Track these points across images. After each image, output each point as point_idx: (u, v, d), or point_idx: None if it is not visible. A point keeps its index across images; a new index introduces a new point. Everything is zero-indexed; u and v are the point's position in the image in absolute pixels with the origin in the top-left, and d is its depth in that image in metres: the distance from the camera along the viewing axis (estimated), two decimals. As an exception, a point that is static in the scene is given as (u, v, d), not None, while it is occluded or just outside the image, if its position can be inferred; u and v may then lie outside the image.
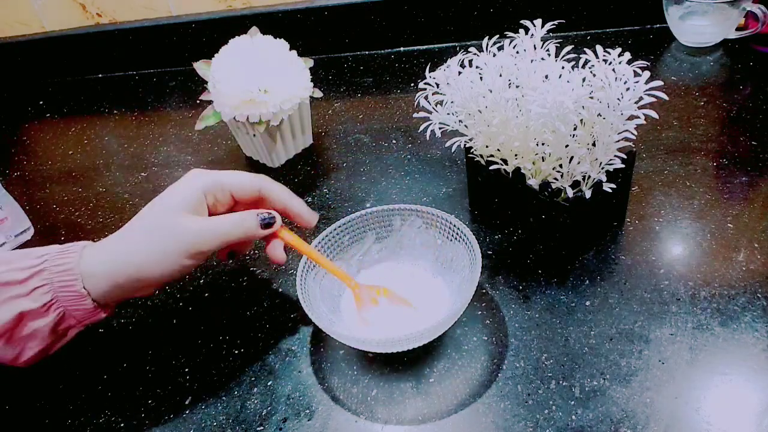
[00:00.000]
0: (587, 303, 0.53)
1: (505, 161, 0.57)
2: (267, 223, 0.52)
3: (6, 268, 0.47)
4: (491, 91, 0.54)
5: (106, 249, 0.49)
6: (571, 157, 0.52)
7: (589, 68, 0.50)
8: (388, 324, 0.53)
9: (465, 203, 0.66)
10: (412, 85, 0.90)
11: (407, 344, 0.49)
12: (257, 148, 0.76)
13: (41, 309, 0.47)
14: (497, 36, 0.57)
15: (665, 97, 0.47)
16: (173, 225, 0.48)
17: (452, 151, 0.71)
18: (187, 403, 0.51)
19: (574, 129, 0.51)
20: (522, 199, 0.58)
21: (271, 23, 0.97)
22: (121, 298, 0.50)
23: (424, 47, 0.98)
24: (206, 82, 0.72)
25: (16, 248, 0.72)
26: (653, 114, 0.48)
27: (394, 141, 0.78)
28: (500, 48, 0.56)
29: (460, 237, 0.54)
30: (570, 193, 0.52)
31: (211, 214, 0.52)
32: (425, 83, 0.57)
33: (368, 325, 0.53)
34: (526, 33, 0.55)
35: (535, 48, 0.55)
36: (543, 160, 0.54)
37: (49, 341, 0.49)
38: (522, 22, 0.56)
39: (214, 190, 0.51)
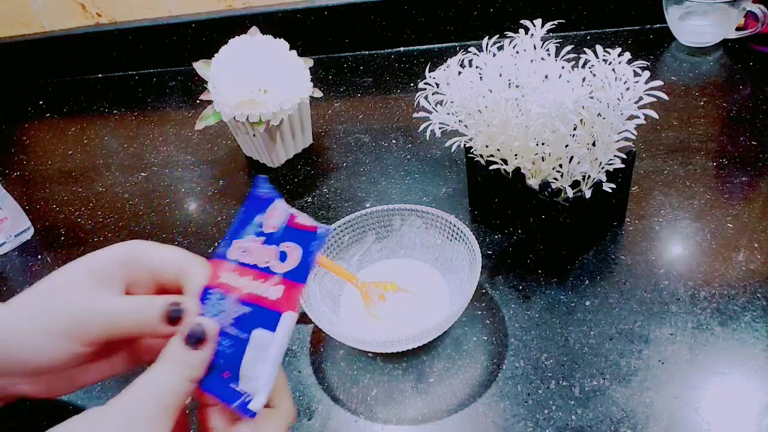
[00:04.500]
0: (587, 303, 0.53)
1: (505, 161, 0.57)
2: (172, 317, 0.36)
3: None
4: (491, 91, 0.54)
5: None
6: (571, 157, 0.52)
7: (589, 68, 0.50)
8: (399, 319, 0.53)
9: (465, 203, 0.66)
10: (412, 85, 0.90)
11: (407, 344, 0.49)
12: (257, 148, 0.76)
13: None
14: (497, 36, 0.57)
15: (665, 97, 0.47)
16: (63, 295, 0.37)
17: (452, 151, 0.71)
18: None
19: (574, 129, 0.51)
20: (522, 199, 0.58)
21: (271, 23, 0.97)
22: (7, 393, 0.38)
23: (424, 47, 0.98)
24: (206, 82, 0.72)
25: (17, 248, 0.72)
26: (653, 114, 0.48)
27: (394, 141, 0.78)
28: (500, 48, 0.56)
29: (460, 237, 0.54)
30: (570, 193, 0.52)
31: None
32: (425, 83, 0.57)
33: (379, 321, 0.53)
34: (526, 33, 0.55)
35: (535, 48, 0.55)
36: (543, 160, 0.54)
37: None
38: (522, 22, 0.56)
39: (133, 263, 0.38)
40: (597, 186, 0.52)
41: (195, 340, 0.35)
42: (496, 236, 0.61)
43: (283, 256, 0.36)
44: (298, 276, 0.35)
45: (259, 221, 0.38)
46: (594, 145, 0.52)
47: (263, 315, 0.35)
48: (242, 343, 0.35)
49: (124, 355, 0.41)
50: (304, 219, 0.37)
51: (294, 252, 0.36)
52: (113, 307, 0.37)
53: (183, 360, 0.35)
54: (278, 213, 0.37)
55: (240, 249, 0.38)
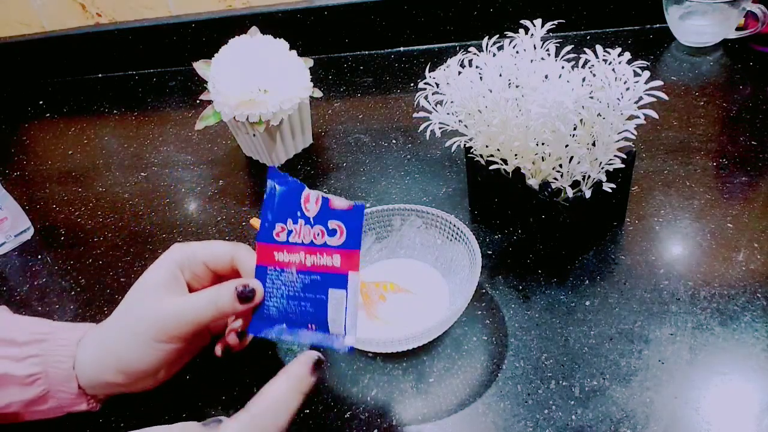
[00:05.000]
0: (587, 303, 0.53)
1: (505, 161, 0.57)
2: (245, 297, 0.44)
3: (17, 327, 0.46)
4: (491, 91, 0.54)
5: (95, 338, 0.47)
6: (571, 157, 0.52)
7: (589, 68, 0.50)
8: (399, 319, 0.53)
9: (465, 203, 0.66)
10: (412, 85, 0.90)
11: (407, 344, 0.49)
12: (257, 148, 0.76)
13: (26, 379, 0.44)
14: (497, 36, 0.57)
15: (665, 97, 0.47)
16: (141, 309, 0.45)
17: (452, 151, 0.71)
18: (187, 403, 0.51)
19: (574, 129, 0.51)
20: (522, 199, 0.58)
21: (271, 23, 0.97)
22: (112, 393, 0.48)
23: (424, 47, 0.98)
24: (206, 82, 0.72)
25: (17, 248, 0.72)
26: (653, 114, 0.48)
27: (394, 141, 0.78)
28: (500, 48, 0.56)
29: (460, 237, 0.54)
30: (570, 193, 0.52)
31: (192, 290, 0.48)
32: (425, 83, 0.57)
33: (379, 321, 0.53)
34: (526, 33, 0.55)
35: (535, 48, 0.55)
36: (543, 160, 0.54)
37: (17, 415, 0.46)
38: (522, 22, 0.56)
39: (188, 264, 0.48)
40: (597, 186, 0.52)
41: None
42: (496, 236, 0.61)
43: (332, 233, 0.44)
44: (350, 245, 0.44)
45: (296, 206, 0.45)
46: (594, 145, 0.52)
47: (332, 278, 0.44)
48: (323, 302, 0.44)
49: (195, 344, 0.49)
50: (338, 202, 0.44)
51: (340, 228, 0.44)
52: (191, 303, 0.45)
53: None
54: (312, 197, 0.45)
55: (284, 231, 0.46)
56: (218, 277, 0.49)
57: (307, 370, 0.42)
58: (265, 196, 0.47)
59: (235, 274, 0.49)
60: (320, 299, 0.44)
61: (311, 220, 0.45)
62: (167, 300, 0.45)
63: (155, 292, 0.46)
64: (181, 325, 0.44)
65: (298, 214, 0.45)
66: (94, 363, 0.46)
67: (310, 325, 0.45)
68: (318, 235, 0.45)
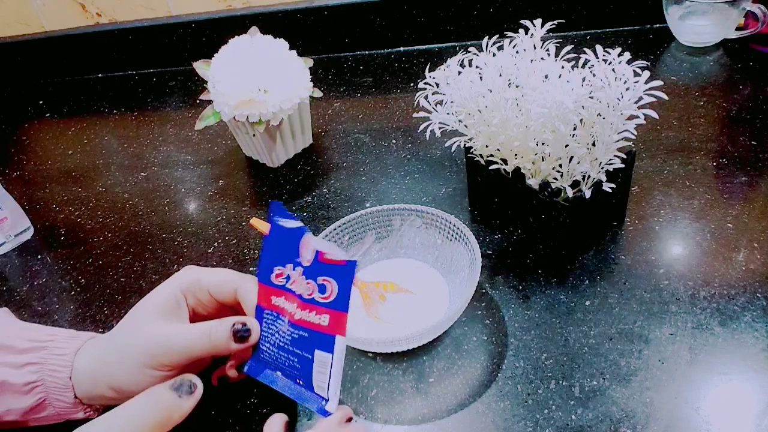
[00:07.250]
0: (587, 303, 0.53)
1: (505, 161, 0.57)
2: (241, 336, 0.44)
3: (16, 333, 0.46)
4: (491, 91, 0.54)
5: (92, 352, 0.46)
6: (571, 157, 0.52)
7: (589, 68, 0.50)
8: (399, 319, 0.53)
9: (465, 203, 0.66)
10: (412, 85, 0.90)
11: (407, 344, 0.49)
12: (257, 148, 0.76)
13: (24, 387, 0.44)
14: (497, 36, 0.57)
15: (665, 97, 0.47)
16: (134, 334, 0.45)
17: (452, 151, 0.71)
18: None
19: (574, 129, 0.51)
20: (522, 199, 0.58)
21: (271, 23, 0.97)
22: (108, 404, 0.47)
23: (424, 47, 0.98)
24: (206, 82, 0.72)
25: (17, 248, 0.72)
26: (653, 114, 0.48)
27: (394, 141, 0.78)
28: (500, 48, 0.56)
29: (460, 237, 0.54)
30: (570, 192, 0.52)
31: (194, 316, 0.48)
32: (425, 83, 0.57)
33: (379, 321, 0.53)
34: (526, 33, 0.55)
35: (534, 48, 0.55)
36: (543, 160, 0.54)
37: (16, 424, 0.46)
38: (522, 22, 0.56)
39: (193, 289, 0.47)
40: (597, 186, 0.52)
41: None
42: (496, 236, 0.61)
43: (322, 289, 0.42)
44: (339, 306, 0.41)
45: (295, 252, 0.44)
46: (594, 145, 0.52)
47: (319, 338, 0.42)
48: (309, 362, 0.42)
49: (193, 369, 0.48)
50: (331, 254, 0.42)
51: (331, 285, 0.42)
52: (185, 335, 0.44)
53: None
54: (309, 245, 0.43)
55: (282, 276, 0.44)
56: (224, 306, 0.49)
57: (338, 422, 0.42)
58: (267, 232, 0.46)
59: (239, 304, 0.48)
60: (306, 358, 0.43)
61: (306, 270, 0.43)
62: (162, 327, 0.44)
63: (152, 317, 0.45)
64: (172, 355, 0.44)
65: (297, 260, 0.44)
66: (89, 376, 0.45)
67: (297, 380, 0.44)
68: (308, 289, 0.43)
